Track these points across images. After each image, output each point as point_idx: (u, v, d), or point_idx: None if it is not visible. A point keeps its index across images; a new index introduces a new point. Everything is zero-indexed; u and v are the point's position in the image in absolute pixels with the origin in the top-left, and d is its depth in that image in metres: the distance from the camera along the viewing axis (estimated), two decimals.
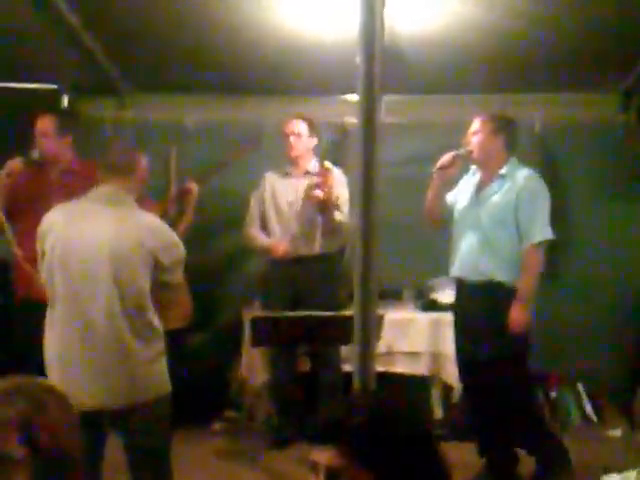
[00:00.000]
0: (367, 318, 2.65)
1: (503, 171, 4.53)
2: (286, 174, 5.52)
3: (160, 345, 3.59)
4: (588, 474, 4.58)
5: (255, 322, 4.56)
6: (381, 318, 4.47)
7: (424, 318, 5.44)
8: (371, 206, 2.63)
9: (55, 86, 5.48)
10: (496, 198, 4.51)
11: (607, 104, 6.01)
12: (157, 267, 3.49)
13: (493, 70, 5.50)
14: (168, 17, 4.83)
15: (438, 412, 5.39)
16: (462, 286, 4.66)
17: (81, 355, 3.43)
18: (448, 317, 5.32)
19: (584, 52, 5.17)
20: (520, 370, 4.50)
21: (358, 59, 2.60)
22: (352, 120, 4.99)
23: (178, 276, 3.63)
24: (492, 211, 4.50)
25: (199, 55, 5.33)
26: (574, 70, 5.49)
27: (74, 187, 4.71)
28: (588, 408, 5.69)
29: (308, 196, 5.29)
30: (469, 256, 4.56)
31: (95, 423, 3.42)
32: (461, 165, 4.68)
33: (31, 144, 4.77)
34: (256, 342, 4.73)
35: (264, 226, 5.50)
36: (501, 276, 4.45)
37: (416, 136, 6.15)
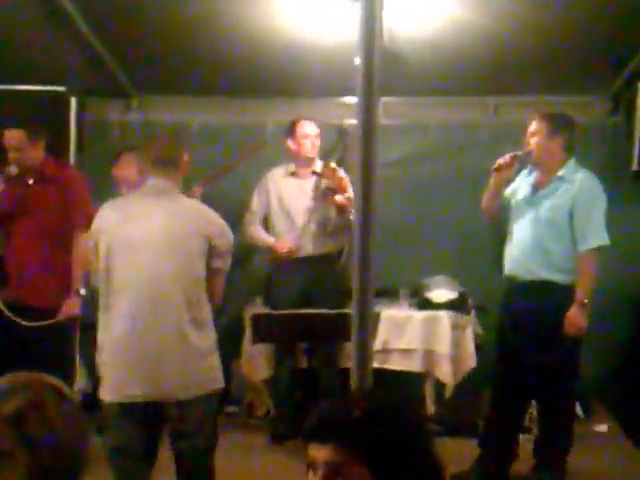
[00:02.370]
0: (365, 316, 2.70)
1: (561, 173, 4.48)
2: (292, 173, 5.54)
3: (214, 337, 3.60)
4: (575, 469, 4.64)
5: (256, 319, 4.62)
6: (377, 316, 4.56)
7: (419, 316, 5.47)
8: (369, 206, 2.69)
9: (63, 88, 5.50)
10: (552, 200, 4.48)
11: (597, 107, 6.05)
12: (211, 253, 3.51)
13: (488, 73, 5.57)
14: (174, 21, 4.89)
15: (431, 408, 5.43)
16: (513, 284, 4.62)
17: (141, 347, 3.43)
18: (442, 315, 5.41)
19: (575, 56, 5.24)
20: (571, 372, 4.53)
21: (357, 61, 2.66)
22: (351, 122, 5.07)
23: (228, 263, 3.63)
24: (547, 212, 4.47)
25: (204, 58, 5.40)
26: (565, 74, 5.56)
27: (50, 193, 4.77)
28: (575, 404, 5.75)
29: (326, 200, 5.33)
30: (521, 255, 4.54)
31: (150, 415, 3.47)
32: (518, 166, 4.66)
33: (4, 160, 4.76)
34: (256, 339, 4.78)
35: (267, 225, 5.54)
36: (552, 276, 4.44)
37: (413, 137, 6.20)
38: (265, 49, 5.19)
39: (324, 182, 5.33)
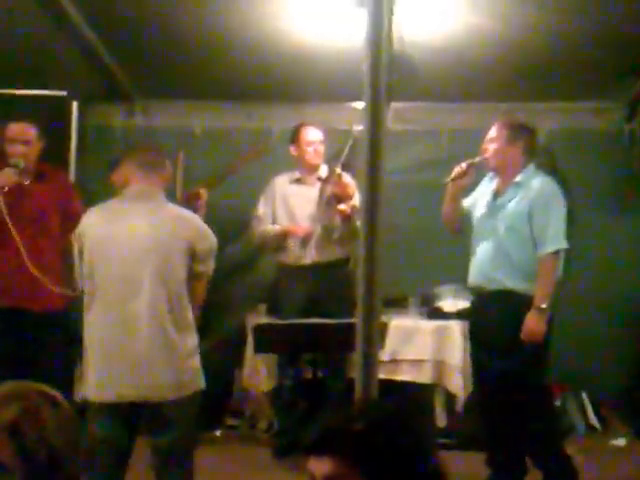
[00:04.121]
0: (370, 326, 2.64)
1: (518, 179, 4.46)
2: (297, 180, 5.50)
3: (195, 339, 3.67)
4: None
5: (259, 329, 4.57)
6: (385, 326, 4.49)
7: (429, 326, 5.40)
8: (376, 213, 2.63)
9: (64, 92, 5.45)
10: (510, 206, 4.45)
11: (613, 113, 5.99)
12: (193, 256, 3.59)
13: (500, 78, 5.51)
14: (178, 25, 4.85)
15: (442, 421, 5.34)
16: (478, 294, 4.62)
17: (124, 347, 3.51)
18: (453, 325, 5.34)
19: (590, 61, 5.18)
20: (536, 381, 4.43)
21: (364, 66, 2.60)
22: (359, 127, 5.00)
23: (211, 267, 3.70)
24: (506, 219, 4.44)
25: (207, 62, 5.35)
26: (580, 79, 5.50)
27: (46, 192, 4.68)
28: (592, 417, 5.67)
29: (331, 207, 5.28)
30: (484, 264, 4.51)
31: (130, 416, 3.53)
32: (474, 174, 4.62)
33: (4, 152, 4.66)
34: (260, 349, 4.73)
35: None
36: (515, 284, 4.39)
37: (423, 143, 6.15)
38: (271, 53, 5.15)
39: (329, 189, 5.27)
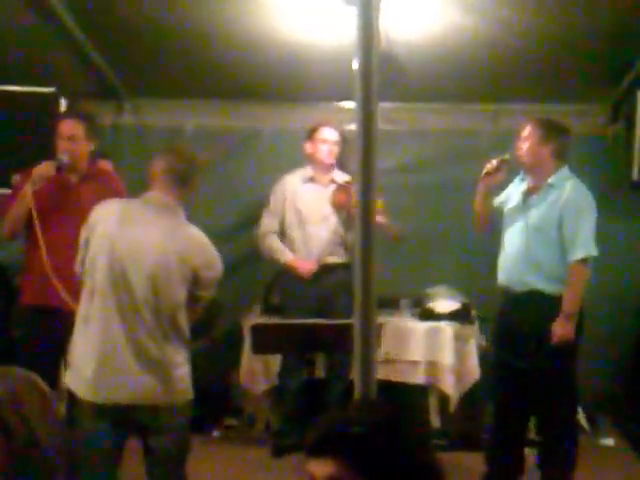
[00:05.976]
0: (368, 326, 2.62)
1: (550, 180, 4.44)
2: (310, 180, 5.49)
3: (187, 352, 3.62)
4: None
5: (256, 329, 4.56)
6: (380, 327, 4.48)
7: (421, 327, 5.40)
8: (370, 214, 2.61)
9: (53, 89, 5.40)
10: (541, 208, 4.44)
11: (597, 115, 5.99)
12: (195, 282, 3.52)
13: (488, 80, 5.52)
14: (167, 23, 4.83)
15: (435, 421, 5.35)
16: (507, 295, 4.58)
17: (117, 351, 3.46)
18: (445, 326, 5.35)
19: (575, 65, 5.22)
20: (563, 383, 4.44)
21: (356, 67, 2.59)
22: (350, 127, 5.00)
23: (212, 293, 3.65)
24: (536, 221, 4.44)
25: (198, 61, 5.33)
26: (565, 82, 5.53)
27: (93, 193, 4.61)
28: (581, 417, 5.67)
29: (343, 205, 5.30)
30: (513, 265, 4.50)
31: (120, 418, 3.49)
32: (506, 171, 4.61)
33: (54, 148, 4.61)
34: (257, 349, 4.72)
35: (282, 231, 5.48)
36: (543, 286, 4.40)
37: (412, 144, 6.12)
38: (261, 52, 5.13)
39: (349, 190, 5.23)
